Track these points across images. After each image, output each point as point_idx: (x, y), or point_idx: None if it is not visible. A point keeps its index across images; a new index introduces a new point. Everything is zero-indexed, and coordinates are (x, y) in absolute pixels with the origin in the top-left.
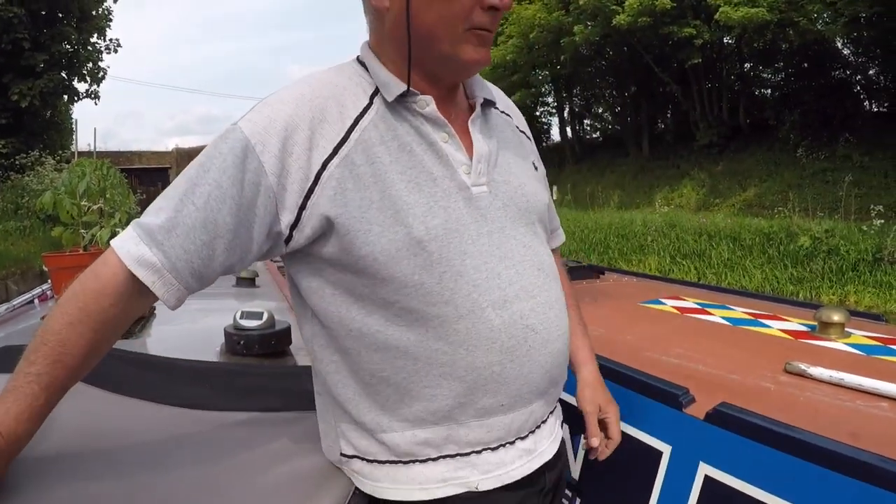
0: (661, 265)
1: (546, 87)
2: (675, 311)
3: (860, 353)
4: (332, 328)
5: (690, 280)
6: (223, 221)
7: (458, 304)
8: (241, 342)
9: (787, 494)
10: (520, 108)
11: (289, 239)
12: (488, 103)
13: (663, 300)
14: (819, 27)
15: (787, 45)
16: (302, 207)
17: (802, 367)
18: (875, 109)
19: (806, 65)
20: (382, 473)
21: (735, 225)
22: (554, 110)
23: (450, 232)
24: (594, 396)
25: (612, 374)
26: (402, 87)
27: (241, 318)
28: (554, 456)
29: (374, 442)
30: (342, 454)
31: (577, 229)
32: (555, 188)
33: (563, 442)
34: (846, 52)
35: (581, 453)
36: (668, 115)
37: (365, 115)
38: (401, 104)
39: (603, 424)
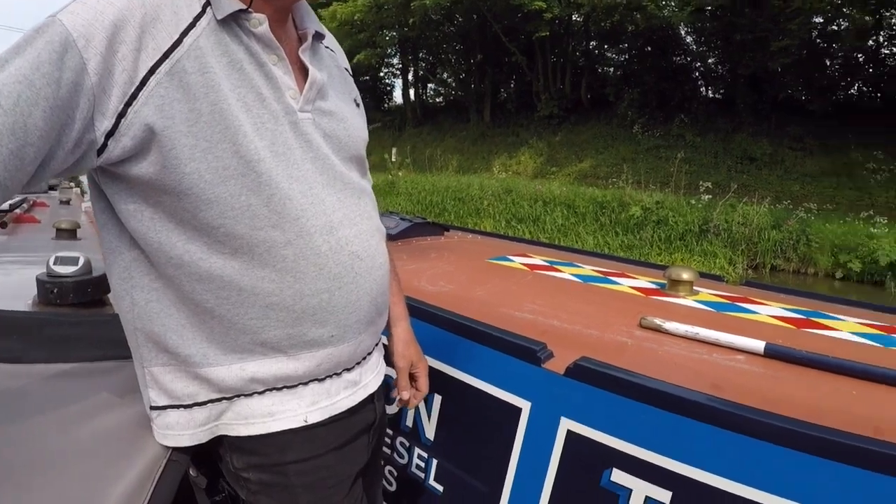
0: (497, 229)
1: (392, 48)
2: (524, 267)
3: (710, 309)
4: (152, 255)
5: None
6: (34, 126)
7: (285, 228)
8: (55, 290)
9: (652, 445)
10: (364, 67)
11: (102, 149)
12: (318, 36)
13: (511, 257)
14: (666, 14)
15: (633, 27)
16: (121, 115)
17: (657, 322)
18: (711, 95)
19: (649, 48)
20: (203, 416)
21: (570, 193)
22: (398, 72)
23: (277, 155)
24: (406, 352)
25: (467, 330)
26: (237, 3)
27: (55, 263)
28: (378, 389)
29: (196, 380)
30: (153, 406)
31: (414, 191)
32: (394, 150)
33: (385, 379)
34: (689, 39)
35: (435, 414)
36: (512, 85)
37: (198, 22)
38: (234, 20)
39: (413, 377)
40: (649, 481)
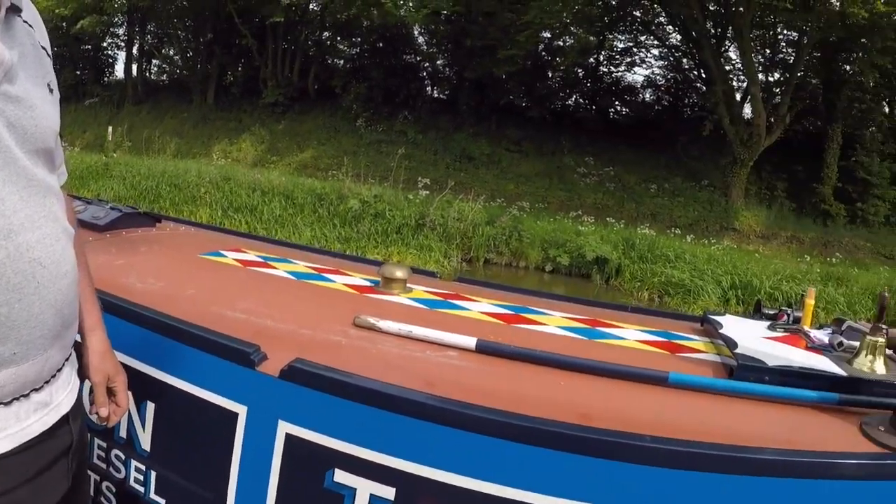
0: (213, 218)
1: (120, 17)
2: (237, 263)
3: (423, 306)
4: None
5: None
6: None
7: None
8: None
9: (371, 444)
10: (87, 35)
11: None
12: (14, 8)
13: (224, 252)
14: (402, 13)
15: (369, 22)
16: None
17: (371, 320)
18: (436, 95)
19: (381, 44)
20: None
21: (289, 183)
22: (123, 44)
23: None
24: (102, 365)
25: (177, 332)
26: None
27: None
28: (73, 407)
29: None
30: None
31: (128, 175)
32: (109, 129)
33: (80, 394)
34: (421, 40)
35: (150, 422)
36: (240, 69)
37: None
38: None
39: (111, 392)
40: (373, 479)
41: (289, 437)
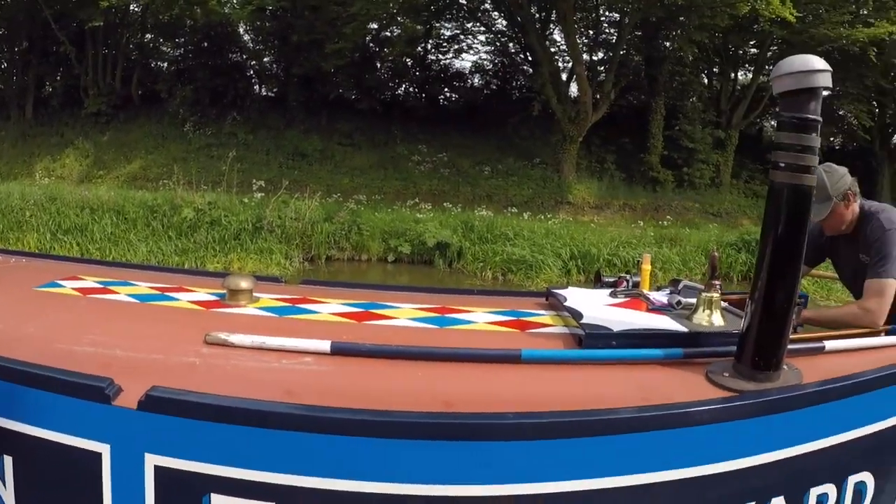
0: (42, 243)
1: None
2: (76, 293)
3: (273, 314)
4: None
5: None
6: None
7: None
8: None
9: (245, 463)
10: None
11: None
12: None
13: (61, 282)
14: (227, 10)
15: (192, 21)
16: None
17: (223, 336)
18: (264, 93)
19: (206, 44)
20: None
21: (119, 197)
22: None
23: None
24: None
25: (22, 376)
26: None
27: None
28: None
29: None
30: None
31: None
32: None
33: None
34: (247, 37)
35: (10, 478)
36: (59, 78)
37: None
38: None
39: None
40: (251, 498)
41: (158, 470)
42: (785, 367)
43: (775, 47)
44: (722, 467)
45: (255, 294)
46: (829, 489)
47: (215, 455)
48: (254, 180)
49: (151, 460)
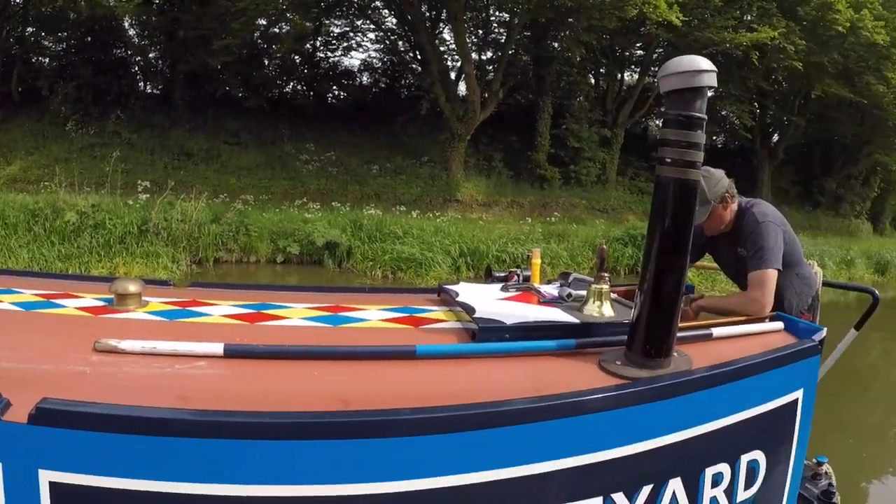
0: None
1: None
2: None
3: (163, 319)
4: None
5: None
6: None
7: None
8: None
9: (144, 473)
10: None
11: None
12: None
13: None
14: (112, 3)
15: (76, 14)
16: None
17: (113, 343)
18: (149, 90)
19: (90, 38)
20: None
21: None
22: None
23: None
24: None
25: None
26: None
27: None
28: None
29: None
30: None
31: None
32: None
33: None
34: (132, 32)
35: None
36: None
37: None
38: None
39: None
40: None
41: (54, 486)
42: (675, 353)
43: (661, 49)
44: (618, 453)
45: (143, 298)
46: (724, 468)
47: (112, 467)
48: (139, 181)
49: (46, 476)
